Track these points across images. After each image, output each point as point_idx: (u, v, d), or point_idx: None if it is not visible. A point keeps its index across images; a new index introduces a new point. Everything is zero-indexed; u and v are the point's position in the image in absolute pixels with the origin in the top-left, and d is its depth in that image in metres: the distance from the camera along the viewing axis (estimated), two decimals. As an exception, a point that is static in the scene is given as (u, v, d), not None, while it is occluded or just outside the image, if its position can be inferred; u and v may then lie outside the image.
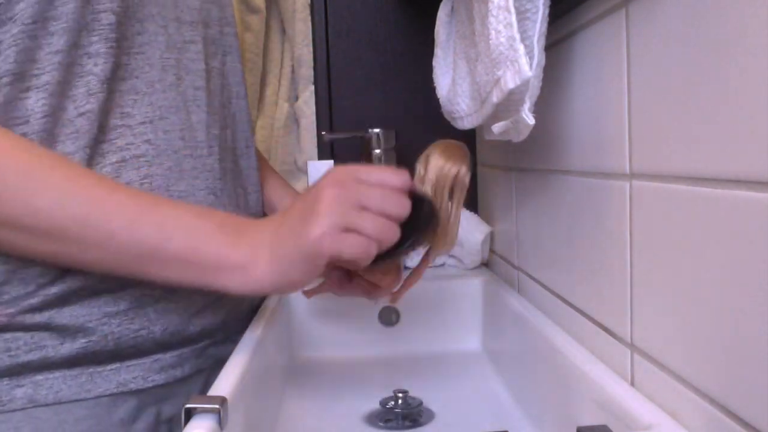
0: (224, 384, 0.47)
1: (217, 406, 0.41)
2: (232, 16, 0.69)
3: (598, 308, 0.51)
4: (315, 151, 1.03)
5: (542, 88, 0.50)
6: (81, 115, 0.51)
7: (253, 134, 0.73)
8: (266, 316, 0.66)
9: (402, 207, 0.49)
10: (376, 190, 0.49)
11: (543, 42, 0.48)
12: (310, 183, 0.87)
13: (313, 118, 1.04)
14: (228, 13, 0.67)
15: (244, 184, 0.67)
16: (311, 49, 1.01)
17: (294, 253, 0.48)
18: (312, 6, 0.98)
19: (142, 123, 0.55)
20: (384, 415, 0.63)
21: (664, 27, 0.39)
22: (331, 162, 0.90)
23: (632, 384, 0.45)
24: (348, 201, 0.48)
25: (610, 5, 0.47)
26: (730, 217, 0.33)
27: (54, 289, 0.51)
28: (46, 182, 0.46)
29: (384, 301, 0.81)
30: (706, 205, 0.35)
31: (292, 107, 1.19)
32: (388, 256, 0.51)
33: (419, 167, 0.57)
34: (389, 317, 0.83)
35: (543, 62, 0.49)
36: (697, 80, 0.36)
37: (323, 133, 0.94)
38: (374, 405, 0.65)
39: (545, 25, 0.48)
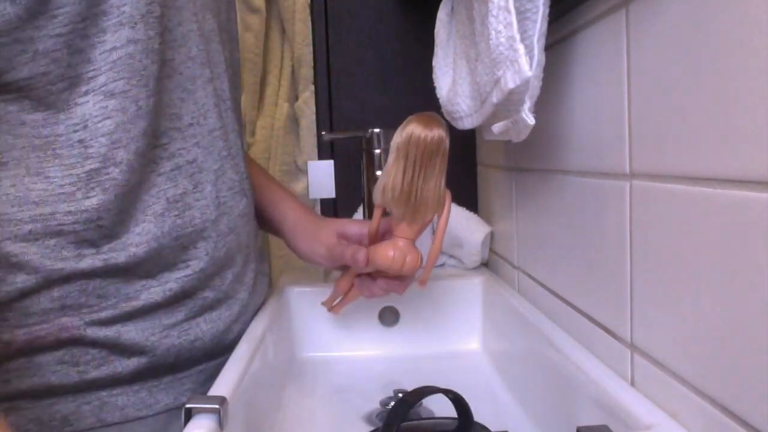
0: (224, 384, 0.47)
1: (217, 406, 0.41)
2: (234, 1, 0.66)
3: (598, 308, 0.51)
4: (315, 151, 1.03)
5: (542, 88, 0.50)
6: (139, 117, 0.48)
7: (251, 134, 0.73)
8: (266, 316, 0.66)
9: None
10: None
11: (543, 42, 0.48)
12: (310, 183, 0.88)
13: (313, 118, 1.04)
14: None
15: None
16: (311, 49, 1.02)
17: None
18: (312, 6, 0.98)
19: (190, 125, 0.52)
20: (384, 415, 0.63)
21: (664, 27, 0.39)
22: (331, 162, 0.89)
23: (632, 384, 0.45)
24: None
25: (610, 5, 0.47)
26: (730, 217, 0.33)
27: (123, 305, 0.50)
28: None
29: (384, 300, 0.82)
30: (706, 205, 0.35)
31: (292, 107, 1.19)
32: None
33: (396, 137, 0.58)
34: (389, 317, 0.83)
35: (543, 62, 0.49)
36: (697, 80, 0.36)
37: (323, 133, 0.94)
38: (374, 405, 0.65)
39: (545, 25, 0.48)
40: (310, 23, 1.02)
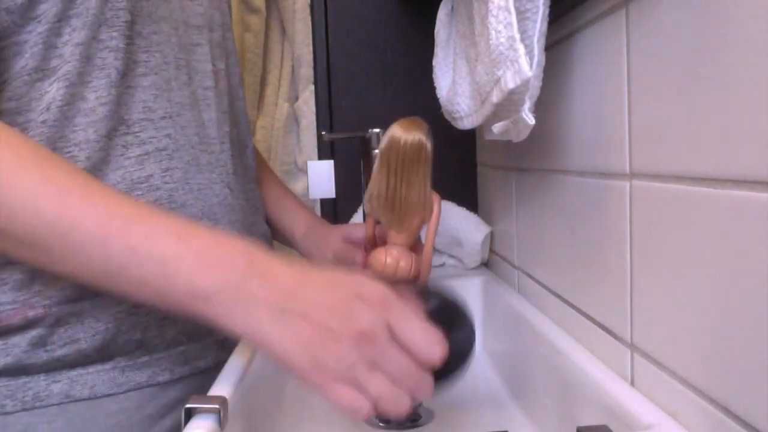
0: (224, 384, 0.47)
1: (217, 406, 0.41)
2: (231, 22, 0.72)
3: (598, 308, 0.51)
4: (315, 151, 1.03)
5: (542, 88, 0.50)
6: (102, 105, 0.53)
7: (251, 134, 0.75)
8: (266, 316, 0.66)
9: (422, 389, 0.43)
10: (402, 359, 0.42)
11: (543, 42, 0.48)
12: (310, 183, 0.88)
13: (313, 118, 1.04)
14: (228, 20, 0.70)
15: (251, 181, 0.71)
16: (311, 49, 1.01)
17: (283, 350, 0.42)
18: (312, 6, 0.98)
19: (163, 118, 0.57)
20: (384, 415, 0.63)
21: (664, 27, 0.39)
22: (331, 162, 0.89)
23: (632, 384, 0.45)
24: (366, 356, 0.41)
25: (610, 5, 0.47)
26: (730, 217, 0.33)
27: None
28: (18, 188, 0.44)
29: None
30: (706, 205, 0.35)
31: (292, 107, 1.19)
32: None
33: (381, 143, 0.59)
34: (389, 317, 0.82)
35: (543, 62, 0.49)
36: (697, 80, 0.36)
37: (323, 133, 0.94)
38: (374, 405, 0.65)
39: (545, 25, 0.48)
40: (310, 23, 1.02)
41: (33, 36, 0.51)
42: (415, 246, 0.64)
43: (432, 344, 0.42)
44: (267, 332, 0.42)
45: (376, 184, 0.60)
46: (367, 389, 0.41)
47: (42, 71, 0.52)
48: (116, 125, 0.54)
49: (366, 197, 0.62)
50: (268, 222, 0.77)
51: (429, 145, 0.58)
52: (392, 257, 0.61)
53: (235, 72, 0.70)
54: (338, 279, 0.44)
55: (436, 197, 0.60)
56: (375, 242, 0.67)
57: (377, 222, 0.65)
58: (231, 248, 0.44)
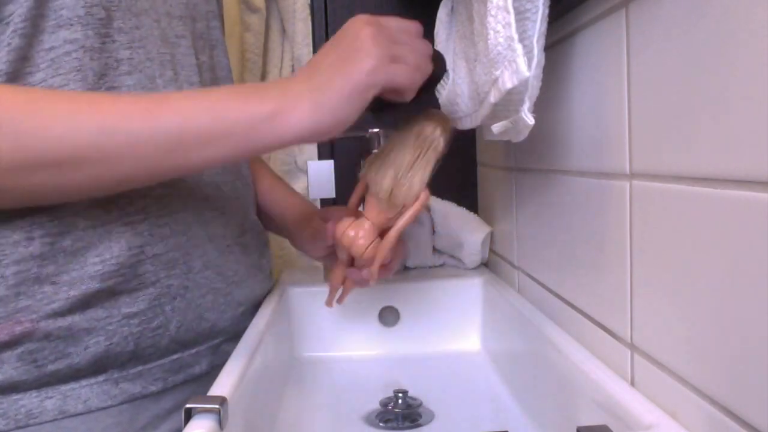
0: (224, 384, 0.47)
1: (217, 406, 0.41)
2: (220, 8, 0.69)
3: (598, 308, 0.51)
4: (315, 151, 1.03)
5: (542, 88, 0.50)
6: None
7: None
8: (266, 316, 0.66)
9: (426, 44, 0.54)
10: (403, 31, 0.52)
11: (543, 42, 0.48)
12: (310, 183, 0.87)
13: (313, 118, 1.04)
14: (214, 6, 0.67)
15: (241, 176, 0.69)
16: (311, 49, 1.01)
17: (343, 89, 0.48)
18: (312, 6, 0.98)
19: None
20: (384, 415, 0.63)
21: (664, 27, 0.39)
22: (331, 162, 0.89)
23: (632, 384, 0.45)
24: (388, 37, 0.50)
25: (610, 5, 0.47)
26: (730, 217, 0.33)
27: (74, 292, 0.50)
28: (55, 112, 0.45)
29: (384, 300, 0.82)
30: (706, 205, 0.35)
31: (292, 107, 1.19)
32: (425, 92, 0.55)
33: (421, 125, 0.59)
34: (389, 317, 0.83)
35: (543, 62, 0.49)
36: (697, 80, 0.36)
37: (323, 133, 0.94)
38: (374, 405, 0.65)
39: (545, 25, 0.47)
40: (310, 23, 1.02)
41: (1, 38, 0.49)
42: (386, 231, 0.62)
43: (409, 20, 0.54)
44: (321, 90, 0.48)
45: (390, 155, 0.58)
46: (407, 59, 0.50)
47: (9, 76, 0.49)
48: None
49: (370, 158, 0.60)
50: (261, 213, 0.76)
51: (443, 139, 0.59)
52: (355, 230, 0.59)
53: (222, 64, 0.68)
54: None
55: (425, 191, 0.59)
56: (356, 212, 0.65)
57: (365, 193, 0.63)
58: (256, 84, 0.52)
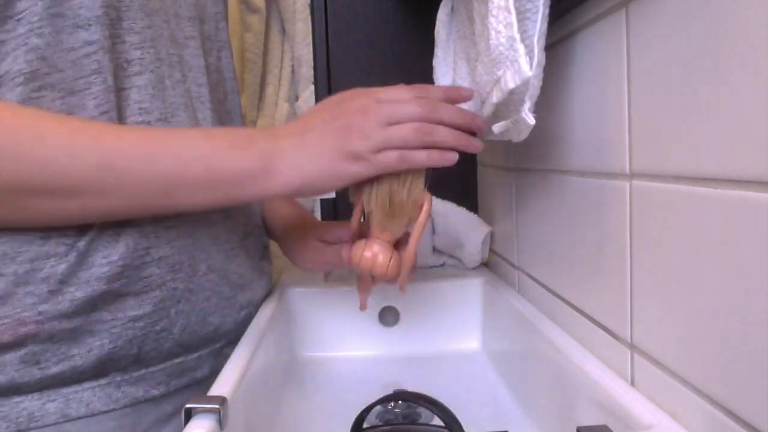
0: (224, 384, 0.47)
1: (217, 406, 0.41)
2: (226, 10, 0.69)
3: (598, 308, 0.51)
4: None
5: (542, 88, 0.50)
6: (103, 113, 0.51)
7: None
8: (267, 316, 0.66)
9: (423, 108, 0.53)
10: (397, 105, 0.53)
11: (543, 42, 0.48)
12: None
13: (313, 118, 1.04)
14: (221, 8, 0.67)
15: None
16: (311, 49, 1.01)
17: (325, 168, 0.52)
18: (312, 6, 0.98)
19: (159, 120, 0.55)
20: (384, 415, 0.63)
21: (663, 27, 0.39)
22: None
23: (632, 384, 0.45)
24: (375, 119, 0.52)
25: (610, 5, 0.47)
26: (730, 217, 0.33)
27: (80, 294, 0.50)
28: (57, 140, 0.46)
29: (384, 300, 0.81)
30: (706, 205, 0.35)
31: (292, 107, 1.19)
32: None
33: None
34: (389, 317, 0.83)
35: (543, 62, 0.49)
36: (697, 80, 0.36)
37: (323, 133, 0.94)
38: (374, 405, 0.65)
39: (545, 25, 0.47)
40: (310, 23, 1.02)
41: (13, 37, 0.48)
42: (402, 241, 0.61)
43: (404, 88, 0.56)
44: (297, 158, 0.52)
45: (373, 178, 0.56)
46: (397, 142, 0.52)
47: (27, 77, 0.48)
48: None
49: (355, 186, 0.58)
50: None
51: None
52: (371, 251, 0.58)
53: (229, 66, 0.68)
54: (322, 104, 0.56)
55: (427, 196, 0.58)
56: (360, 234, 0.63)
57: (363, 215, 0.61)
58: (249, 132, 0.55)
